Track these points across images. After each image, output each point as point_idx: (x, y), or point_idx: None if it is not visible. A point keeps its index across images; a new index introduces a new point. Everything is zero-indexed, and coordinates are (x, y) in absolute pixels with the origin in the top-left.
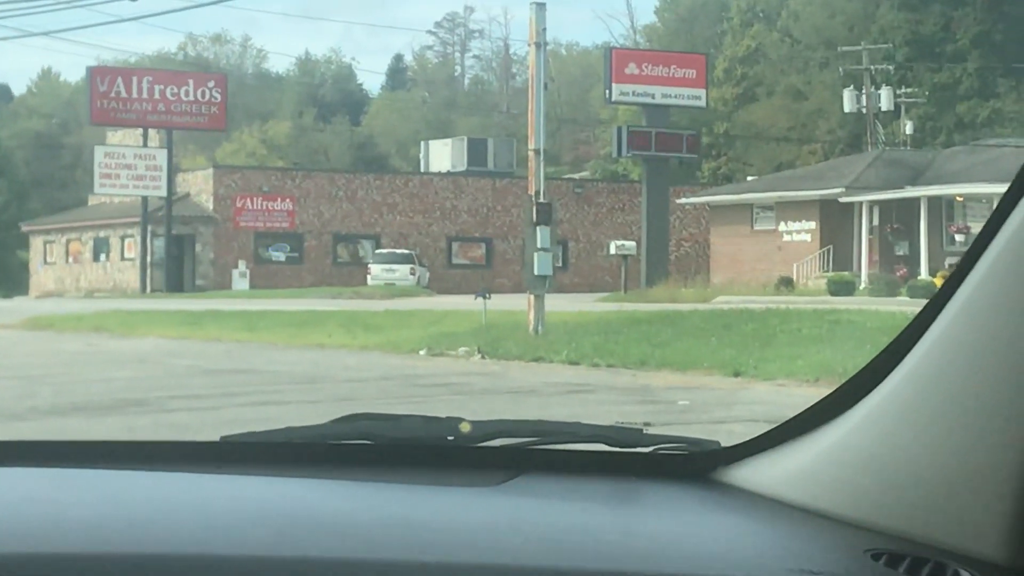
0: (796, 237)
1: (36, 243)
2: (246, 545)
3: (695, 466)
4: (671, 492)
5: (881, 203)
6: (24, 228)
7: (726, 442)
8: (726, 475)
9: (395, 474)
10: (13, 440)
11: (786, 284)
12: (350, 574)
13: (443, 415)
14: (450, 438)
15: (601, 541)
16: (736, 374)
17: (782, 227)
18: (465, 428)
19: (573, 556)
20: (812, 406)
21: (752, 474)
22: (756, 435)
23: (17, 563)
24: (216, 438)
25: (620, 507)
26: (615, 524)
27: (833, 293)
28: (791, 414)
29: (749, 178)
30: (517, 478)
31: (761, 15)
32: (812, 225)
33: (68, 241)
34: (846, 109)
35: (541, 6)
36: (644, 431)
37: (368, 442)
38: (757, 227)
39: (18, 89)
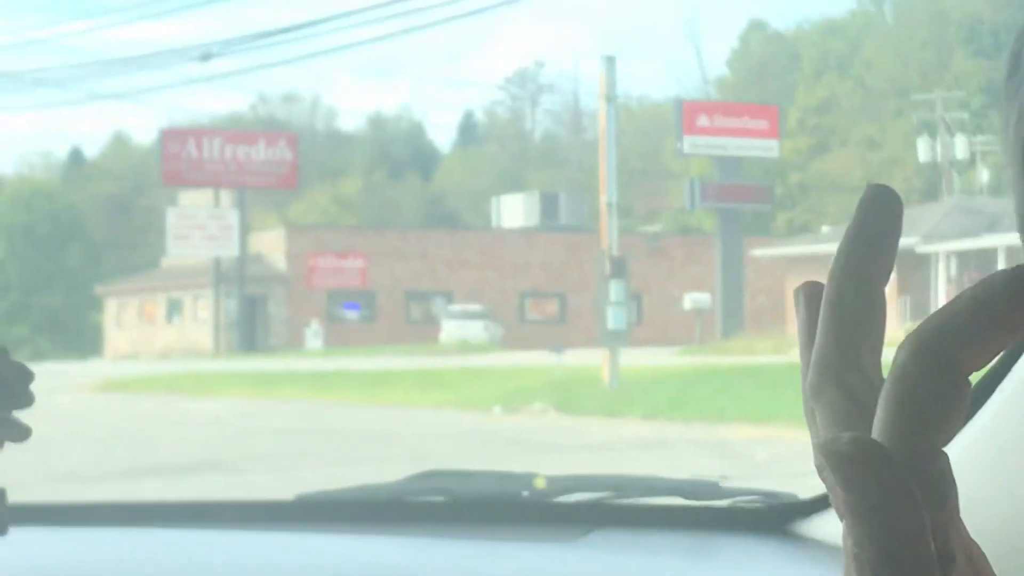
0: None
1: (110, 305)
2: None
3: (772, 518)
4: (748, 545)
5: (959, 252)
6: (98, 290)
7: (807, 496)
8: (804, 527)
9: (470, 530)
10: (88, 501)
11: None
12: None
13: (518, 471)
14: (525, 493)
15: None
16: None
17: None
18: (540, 483)
19: None
20: None
21: (831, 526)
22: None
23: None
24: (291, 497)
25: (697, 561)
26: None
27: None
28: None
29: (824, 228)
30: (593, 533)
31: (833, 64)
32: (891, 276)
33: (142, 303)
34: (921, 158)
35: (611, 60)
36: (720, 484)
37: (442, 499)
38: None
39: (90, 152)
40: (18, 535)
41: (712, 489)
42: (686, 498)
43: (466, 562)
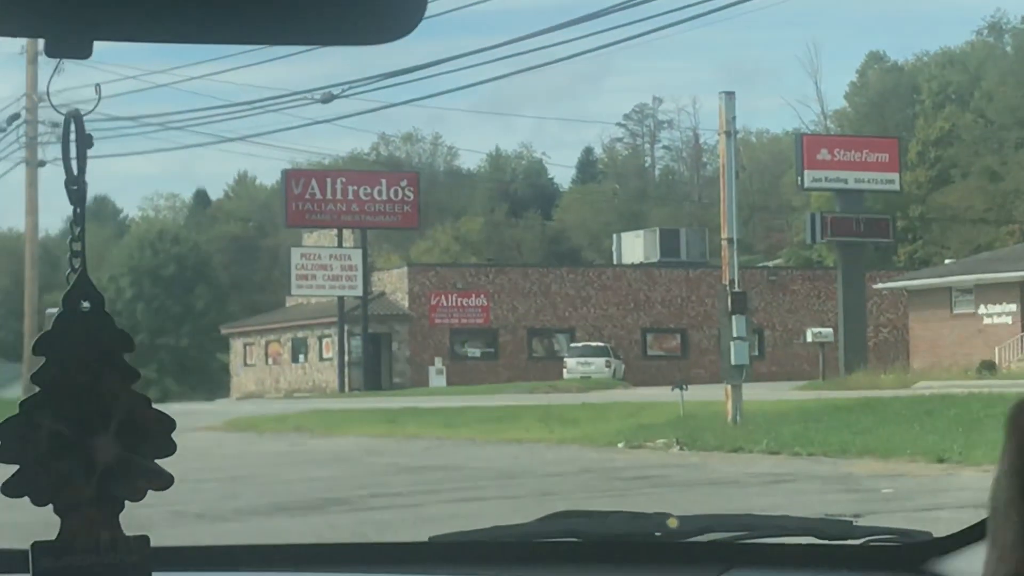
0: (997, 320)
1: (236, 345)
2: None
3: (908, 557)
4: None
5: None
6: (224, 331)
7: (934, 530)
8: (940, 566)
9: (603, 571)
10: (226, 544)
11: (988, 368)
12: None
13: (644, 508)
14: (657, 534)
15: None
16: (940, 460)
17: (982, 310)
18: (672, 524)
19: None
20: None
21: (968, 565)
22: (971, 524)
23: None
24: (418, 536)
25: None
26: None
27: None
28: None
29: (946, 261)
30: (727, 573)
31: (953, 97)
32: (1013, 307)
33: (267, 343)
34: None
35: (730, 95)
36: (854, 523)
37: (575, 540)
38: (956, 311)
39: (215, 194)
40: None
41: (845, 528)
42: (819, 537)
43: None
